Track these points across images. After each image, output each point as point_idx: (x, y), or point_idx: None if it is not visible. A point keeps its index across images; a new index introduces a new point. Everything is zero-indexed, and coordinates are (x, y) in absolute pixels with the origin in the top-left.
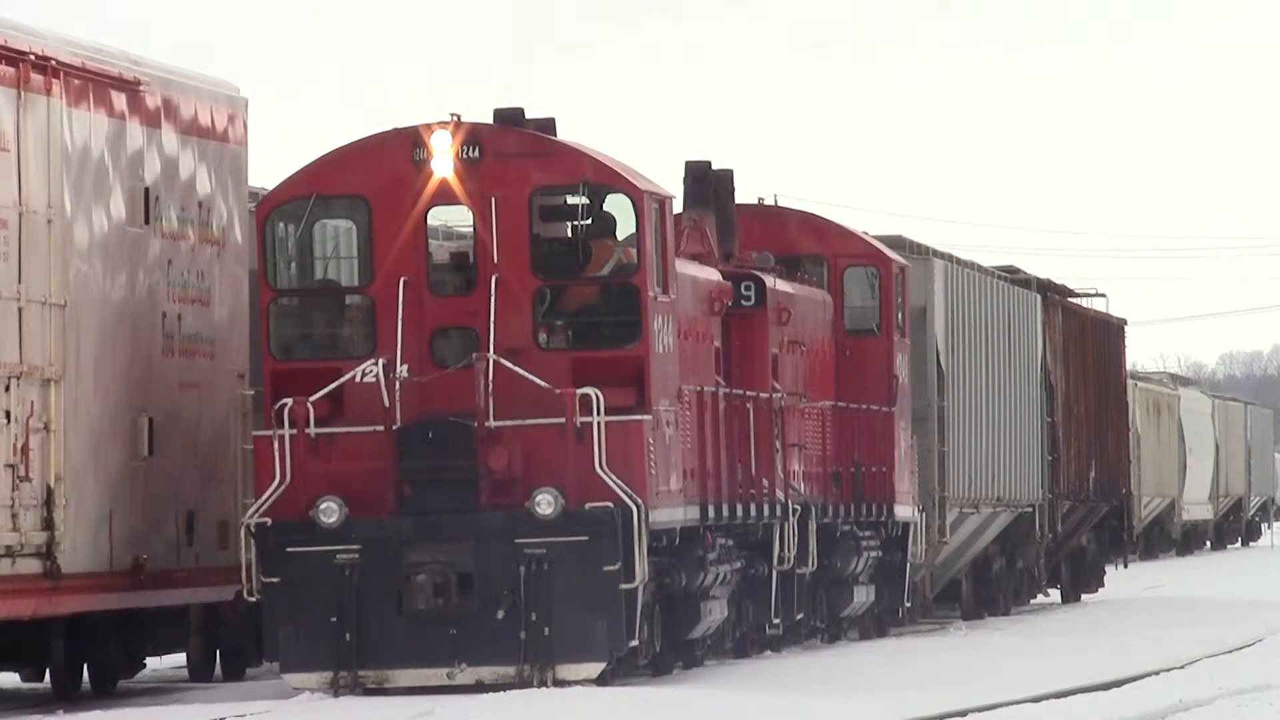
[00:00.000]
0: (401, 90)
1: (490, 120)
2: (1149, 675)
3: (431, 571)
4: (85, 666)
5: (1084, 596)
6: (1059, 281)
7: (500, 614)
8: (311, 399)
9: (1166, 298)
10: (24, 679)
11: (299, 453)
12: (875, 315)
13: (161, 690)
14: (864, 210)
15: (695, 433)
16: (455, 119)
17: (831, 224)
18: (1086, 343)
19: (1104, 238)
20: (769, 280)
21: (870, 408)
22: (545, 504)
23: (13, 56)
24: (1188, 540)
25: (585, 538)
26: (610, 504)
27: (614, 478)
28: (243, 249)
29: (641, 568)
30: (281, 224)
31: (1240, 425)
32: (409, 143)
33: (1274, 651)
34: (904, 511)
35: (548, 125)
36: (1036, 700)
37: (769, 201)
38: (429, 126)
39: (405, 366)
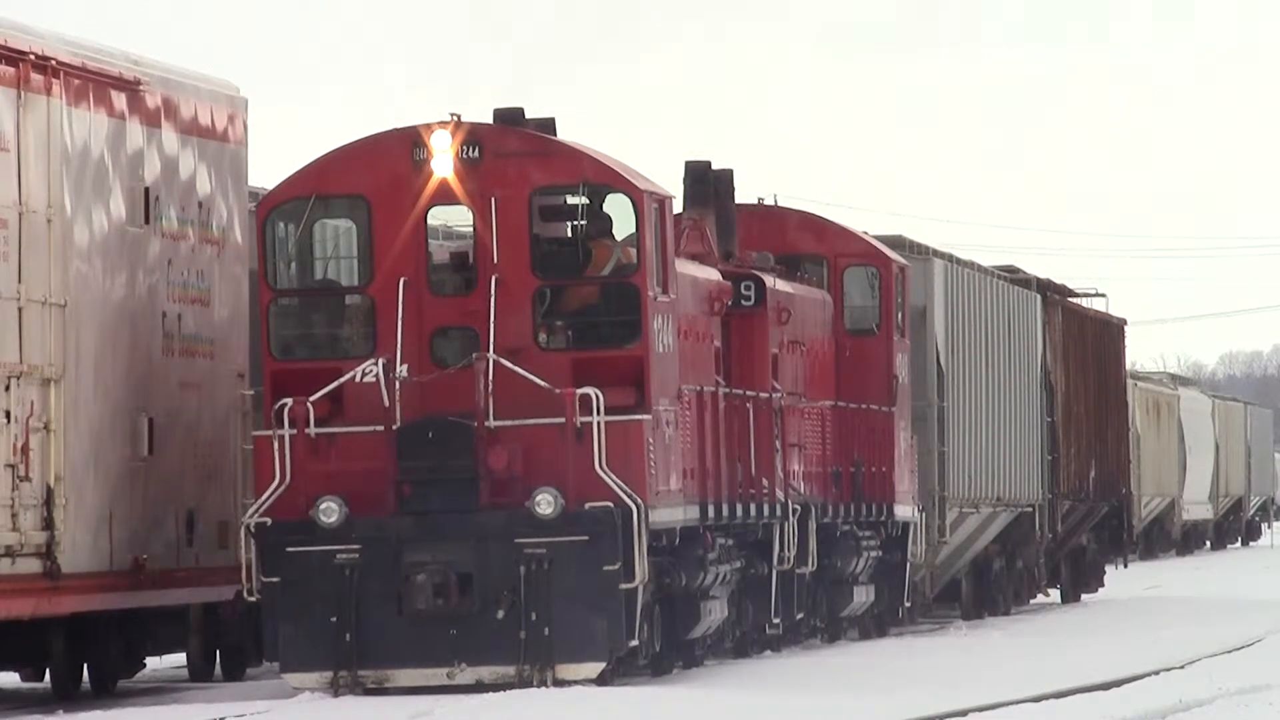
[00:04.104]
0: (401, 90)
1: (490, 120)
2: (1149, 675)
3: (431, 571)
4: (85, 666)
5: (1084, 596)
6: (1059, 281)
7: (500, 614)
8: (311, 399)
9: (1166, 298)
10: (24, 679)
11: (299, 453)
12: (875, 315)
13: (161, 690)
14: (864, 210)
15: (695, 432)
16: (455, 119)
17: (831, 224)
18: (1086, 343)
19: (1104, 238)
20: (769, 280)
21: (870, 408)
22: (545, 504)
23: (13, 56)
24: (1188, 540)
25: (585, 537)
26: (610, 504)
27: (614, 477)
28: (243, 249)
29: (641, 567)
30: (281, 224)
31: (1240, 425)
32: (409, 142)
33: (1274, 651)
34: (904, 511)
35: (548, 125)
36: (1036, 700)
37: (769, 201)
38: (429, 126)
39: (405, 366)
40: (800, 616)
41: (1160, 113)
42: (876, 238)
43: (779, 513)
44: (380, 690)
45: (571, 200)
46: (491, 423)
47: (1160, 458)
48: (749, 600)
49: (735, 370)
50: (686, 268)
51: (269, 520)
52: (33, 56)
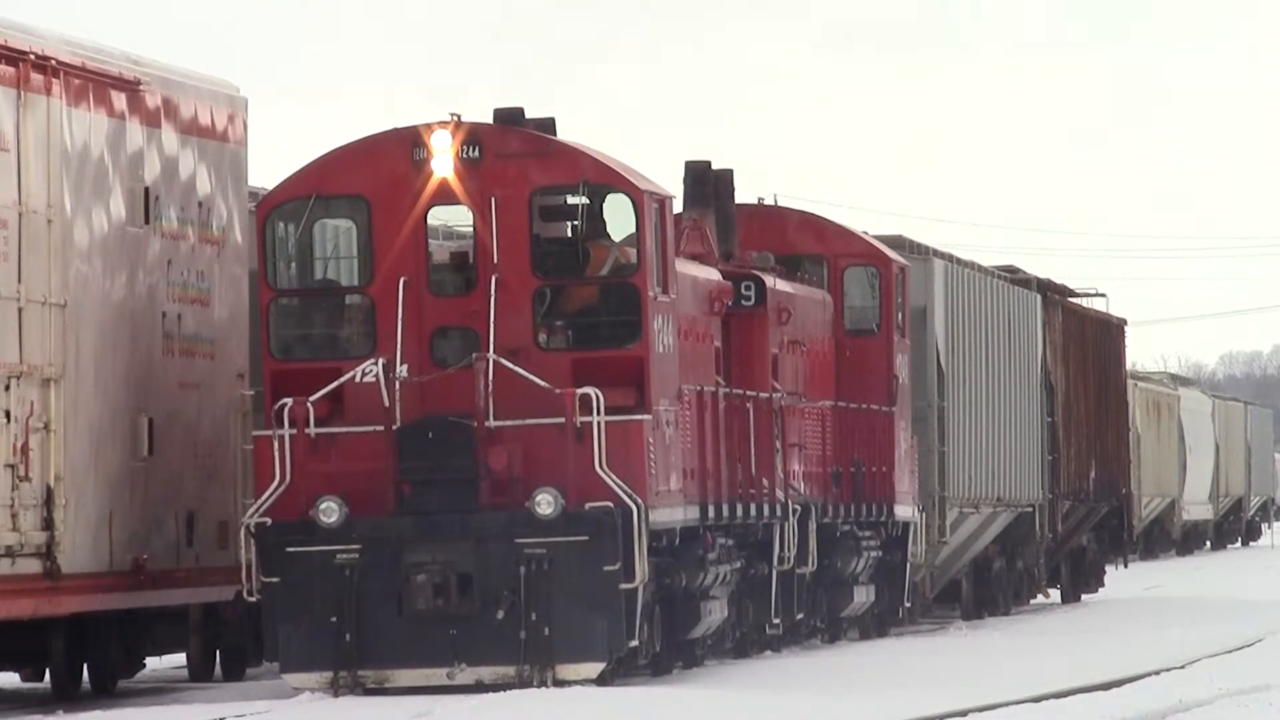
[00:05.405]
0: (401, 90)
1: (490, 120)
2: (1149, 675)
3: (431, 571)
4: (85, 666)
5: (1084, 596)
6: (1059, 281)
7: (500, 614)
8: (311, 399)
9: (1166, 298)
10: (24, 679)
11: (299, 453)
12: (875, 315)
13: (161, 690)
14: (864, 210)
15: (695, 432)
16: (455, 119)
17: (831, 224)
18: (1086, 343)
19: (1104, 238)
20: (769, 280)
21: (870, 408)
22: (545, 504)
23: (13, 56)
24: (1188, 540)
25: (585, 538)
26: (610, 504)
27: (614, 477)
28: (243, 249)
29: (641, 568)
30: (281, 224)
31: (1240, 425)
32: (409, 143)
33: (1274, 651)
34: (904, 511)
35: (548, 125)
36: (1036, 700)
37: (769, 201)
38: (429, 126)
39: (405, 366)
40: (800, 617)
41: (1160, 113)
42: (876, 238)
43: (779, 513)
44: (380, 690)
45: (571, 200)
46: (491, 423)
47: (1160, 458)
48: (749, 600)
49: (735, 370)
50: (686, 268)
51: (269, 520)
52: (33, 56)
